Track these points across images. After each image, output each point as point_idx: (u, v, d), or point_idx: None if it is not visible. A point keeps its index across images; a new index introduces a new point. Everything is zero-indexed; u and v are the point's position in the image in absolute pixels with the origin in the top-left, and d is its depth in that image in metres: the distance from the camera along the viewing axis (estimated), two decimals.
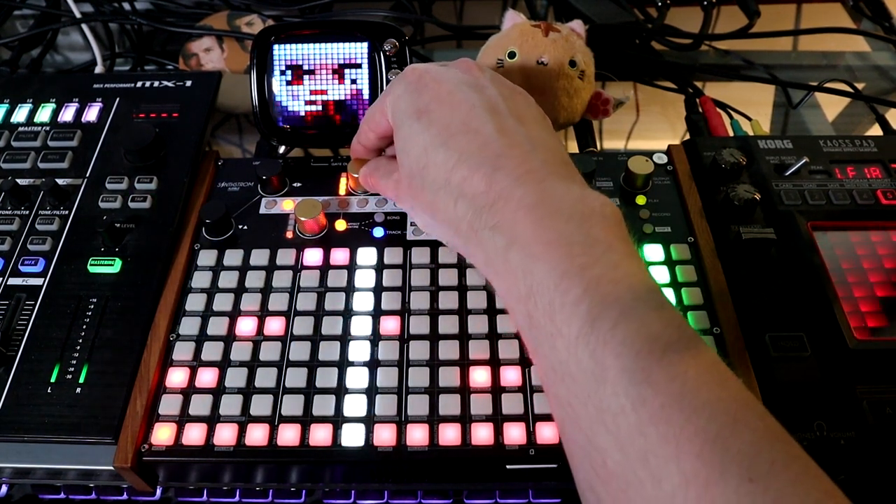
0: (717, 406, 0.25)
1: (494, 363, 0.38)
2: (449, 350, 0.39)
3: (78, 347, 0.39)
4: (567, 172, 0.33)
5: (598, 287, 0.28)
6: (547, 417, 0.36)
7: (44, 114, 0.51)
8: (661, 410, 0.25)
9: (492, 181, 0.31)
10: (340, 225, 0.45)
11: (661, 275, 0.42)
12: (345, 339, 0.40)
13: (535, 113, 0.37)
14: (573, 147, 0.56)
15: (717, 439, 0.24)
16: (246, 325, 0.40)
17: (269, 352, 0.39)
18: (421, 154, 0.34)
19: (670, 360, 0.26)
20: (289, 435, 0.36)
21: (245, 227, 0.45)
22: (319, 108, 0.48)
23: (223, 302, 0.42)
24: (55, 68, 0.72)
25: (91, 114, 0.51)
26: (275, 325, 0.40)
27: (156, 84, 0.53)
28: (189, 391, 0.38)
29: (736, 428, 0.24)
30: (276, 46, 0.48)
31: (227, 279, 0.43)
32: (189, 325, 0.41)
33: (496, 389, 0.38)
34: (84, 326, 0.40)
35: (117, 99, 0.52)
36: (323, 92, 0.48)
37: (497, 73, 0.38)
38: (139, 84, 0.53)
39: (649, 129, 0.65)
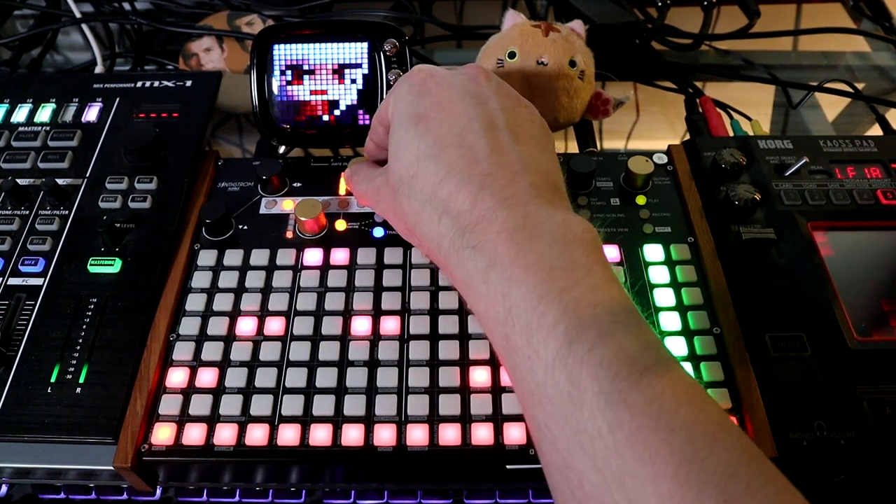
0: (693, 428, 0.25)
1: (494, 363, 0.38)
2: (449, 350, 0.39)
3: (78, 347, 0.39)
4: (553, 197, 0.33)
5: (577, 310, 0.28)
6: None
7: (44, 114, 0.51)
8: (638, 432, 0.25)
9: (476, 200, 0.31)
10: (340, 225, 0.45)
11: (661, 275, 0.42)
12: (345, 339, 0.40)
13: (535, 129, 0.36)
14: (573, 147, 0.56)
15: (694, 460, 0.24)
16: (246, 325, 0.41)
17: (269, 352, 0.39)
18: (413, 162, 0.34)
19: (647, 382, 0.26)
20: (289, 435, 0.36)
21: (245, 227, 0.45)
22: (319, 108, 0.48)
23: (223, 302, 0.42)
24: (55, 68, 0.72)
25: (91, 114, 0.51)
26: (275, 325, 0.40)
27: (156, 84, 0.53)
28: (189, 391, 0.38)
29: (712, 449, 0.24)
30: (276, 46, 0.48)
31: (227, 279, 0.43)
32: (189, 325, 0.41)
33: (496, 389, 0.37)
34: (84, 326, 0.40)
35: (117, 99, 0.52)
36: (323, 92, 0.48)
37: (504, 83, 0.38)
38: (139, 84, 0.53)
39: (649, 129, 0.65)
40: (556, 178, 0.35)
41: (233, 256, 0.44)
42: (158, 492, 0.40)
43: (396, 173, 0.35)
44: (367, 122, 0.48)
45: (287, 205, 0.47)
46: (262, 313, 0.41)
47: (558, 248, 0.30)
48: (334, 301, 0.41)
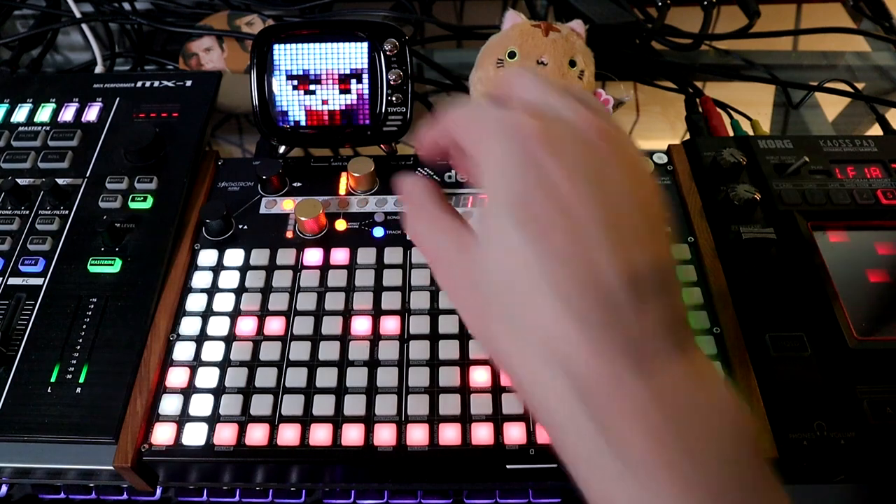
0: None
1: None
2: (449, 350, 0.39)
3: (78, 347, 0.39)
4: (683, 334, 0.25)
5: None
6: None
7: (44, 114, 0.51)
8: None
9: (598, 353, 0.24)
10: (340, 225, 0.45)
11: None
12: (345, 339, 0.40)
13: (661, 227, 0.27)
14: None
15: None
16: (246, 325, 0.41)
17: (269, 352, 0.39)
18: (514, 276, 0.25)
19: None
20: (289, 435, 0.36)
21: (245, 227, 0.45)
22: (319, 107, 0.48)
23: (223, 302, 0.42)
24: (55, 68, 0.72)
25: (91, 114, 0.51)
26: (275, 325, 0.40)
27: (156, 84, 0.53)
28: (189, 391, 0.38)
29: None
30: (276, 46, 0.48)
31: (228, 279, 0.43)
32: (189, 325, 0.41)
33: (496, 389, 0.38)
34: (84, 326, 0.40)
35: (117, 99, 0.52)
36: (323, 93, 0.48)
37: (626, 137, 0.27)
38: (139, 84, 0.53)
39: (649, 129, 0.65)
40: (682, 303, 0.26)
41: (233, 256, 0.44)
42: (158, 492, 0.40)
43: (487, 278, 0.26)
44: (367, 122, 0.48)
45: (287, 205, 0.47)
46: (262, 313, 0.41)
47: (706, 439, 0.23)
48: (334, 301, 0.41)
